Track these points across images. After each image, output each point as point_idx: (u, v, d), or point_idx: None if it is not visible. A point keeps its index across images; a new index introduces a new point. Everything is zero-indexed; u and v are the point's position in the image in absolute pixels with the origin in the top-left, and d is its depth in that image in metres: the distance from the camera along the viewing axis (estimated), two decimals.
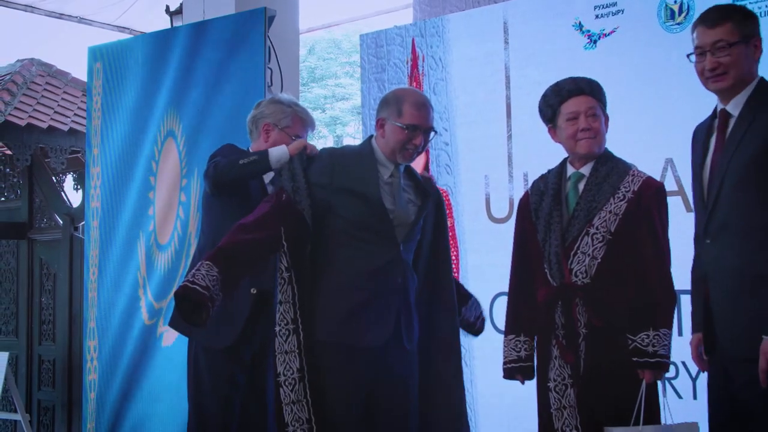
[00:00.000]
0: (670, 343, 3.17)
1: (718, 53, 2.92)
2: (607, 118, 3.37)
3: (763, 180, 2.81)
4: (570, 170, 3.38)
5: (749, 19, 2.96)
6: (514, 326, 3.44)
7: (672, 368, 4.21)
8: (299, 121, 3.84)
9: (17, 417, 6.39)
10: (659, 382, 3.38)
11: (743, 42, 2.91)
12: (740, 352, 2.88)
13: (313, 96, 23.19)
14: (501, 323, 3.65)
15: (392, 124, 3.39)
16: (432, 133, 3.47)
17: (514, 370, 3.42)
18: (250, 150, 3.79)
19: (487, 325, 4.81)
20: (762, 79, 2.94)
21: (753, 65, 2.96)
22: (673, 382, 4.26)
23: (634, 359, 3.16)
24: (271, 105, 3.85)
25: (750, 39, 2.93)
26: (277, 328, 3.27)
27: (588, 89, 3.34)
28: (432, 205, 3.53)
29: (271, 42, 4.78)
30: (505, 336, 3.46)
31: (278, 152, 3.49)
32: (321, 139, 23.45)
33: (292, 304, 3.27)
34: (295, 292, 3.28)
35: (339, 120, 21.68)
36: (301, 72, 23.17)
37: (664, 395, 4.22)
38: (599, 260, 3.22)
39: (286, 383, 3.24)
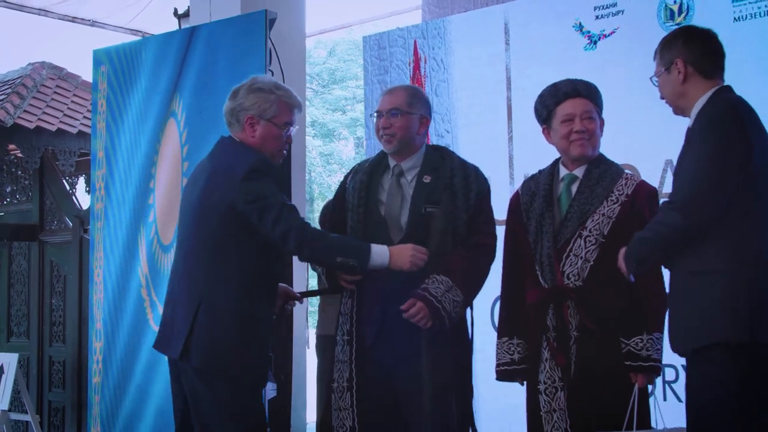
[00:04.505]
0: (662, 346, 3.15)
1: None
2: (602, 122, 3.36)
3: None
4: (563, 171, 3.36)
5: (665, 48, 3.08)
6: (507, 328, 3.41)
7: (672, 371, 4.20)
8: (286, 106, 3.42)
9: (28, 418, 6.43)
10: (659, 386, 3.37)
11: (666, 71, 3.05)
12: None
13: (333, 98, 23.25)
14: None
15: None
16: (397, 113, 3.48)
17: (508, 373, 3.40)
18: (237, 139, 3.42)
19: (488, 327, 4.82)
20: (715, 91, 2.99)
21: (679, 86, 3.03)
22: (672, 385, 4.22)
23: (628, 363, 3.14)
24: (252, 95, 3.40)
25: (670, 65, 3.04)
26: (338, 337, 3.51)
27: (585, 92, 3.33)
28: (454, 201, 3.46)
29: (272, 44, 4.77)
30: (498, 338, 3.44)
31: (380, 260, 3.28)
32: (342, 141, 23.50)
33: (350, 317, 3.47)
34: (354, 305, 3.47)
35: (359, 122, 21.72)
36: (321, 74, 23.13)
37: (664, 399, 4.23)
38: (592, 263, 3.20)
39: (337, 390, 3.44)
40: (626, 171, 3.35)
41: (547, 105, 3.36)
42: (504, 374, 3.41)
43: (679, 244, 2.90)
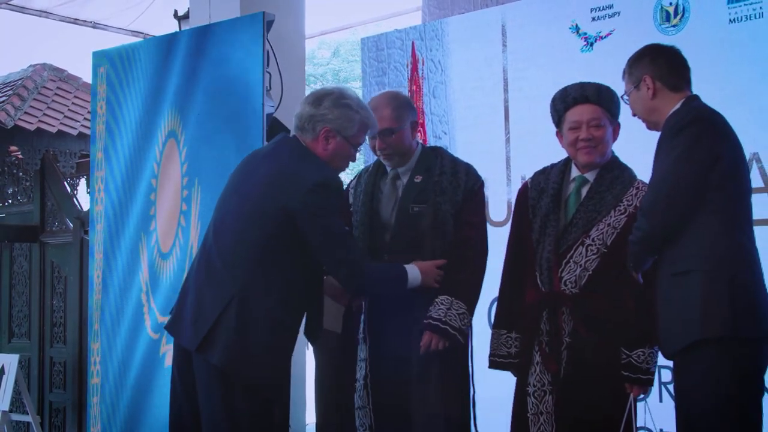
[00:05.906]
0: (657, 360, 3.19)
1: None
2: (616, 127, 3.33)
3: None
4: (574, 172, 3.34)
5: (633, 66, 3.22)
6: (506, 321, 3.41)
7: (669, 373, 4.20)
8: (365, 128, 3.37)
9: (29, 418, 6.45)
10: (655, 387, 3.38)
11: (635, 88, 3.18)
12: None
13: None
14: None
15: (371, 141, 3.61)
16: (390, 134, 3.52)
17: (503, 365, 3.41)
18: (305, 144, 3.33)
19: (486, 327, 4.82)
20: (683, 101, 3.10)
21: (649, 102, 3.16)
22: (669, 387, 4.22)
23: (626, 374, 3.15)
24: (338, 109, 3.30)
25: (639, 83, 3.17)
26: (358, 337, 3.58)
27: (594, 97, 3.28)
28: (441, 204, 3.48)
29: (270, 46, 4.78)
30: (494, 328, 3.45)
31: (414, 282, 3.35)
32: None
33: (366, 315, 3.55)
34: (367, 306, 3.55)
35: None
36: (325, 75, 23.04)
37: (660, 400, 4.24)
38: (590, 272, 3.20)
39: (358, 389, 3.51)
40: (638, 178, 3.32)
41: (558, 110, 3.35)
42: (499, 365, 3.42)
43: (653, 248, 2.99)
